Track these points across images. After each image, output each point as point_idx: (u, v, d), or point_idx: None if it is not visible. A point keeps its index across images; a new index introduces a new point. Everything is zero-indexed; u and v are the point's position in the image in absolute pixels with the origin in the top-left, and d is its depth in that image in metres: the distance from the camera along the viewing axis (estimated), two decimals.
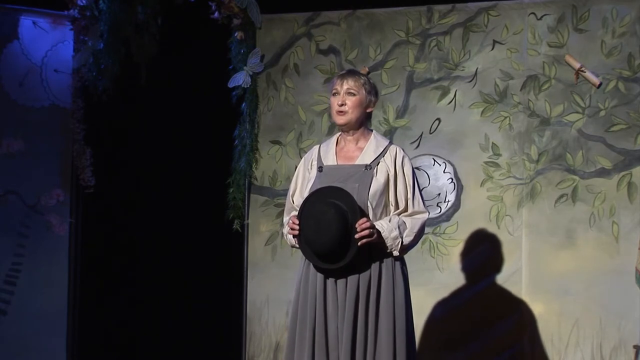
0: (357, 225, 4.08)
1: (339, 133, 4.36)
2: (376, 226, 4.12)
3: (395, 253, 4.16)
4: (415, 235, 4.19)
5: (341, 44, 5.76)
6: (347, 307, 4.12)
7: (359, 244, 4.08)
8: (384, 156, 4.24)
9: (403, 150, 4.30)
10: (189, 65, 5.96)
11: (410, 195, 4.23)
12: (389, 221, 4.15)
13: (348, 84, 4.27)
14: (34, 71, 5.86)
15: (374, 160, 4.23)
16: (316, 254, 4.12)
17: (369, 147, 4.27)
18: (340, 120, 4.27)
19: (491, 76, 5.51)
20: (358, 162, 4.24)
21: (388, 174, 4.22)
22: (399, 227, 4.14)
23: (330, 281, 4.17)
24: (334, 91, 4.30)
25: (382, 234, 4.12)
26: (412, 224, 4.19)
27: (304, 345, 4.17)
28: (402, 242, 4.14)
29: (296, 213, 4.26)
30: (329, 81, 4.43)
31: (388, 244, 4.13)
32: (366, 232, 4.08)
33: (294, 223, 4.18)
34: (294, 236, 4.20)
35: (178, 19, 5.80)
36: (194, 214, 6.03)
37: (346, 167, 4.24)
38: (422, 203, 4.26)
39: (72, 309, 5.86)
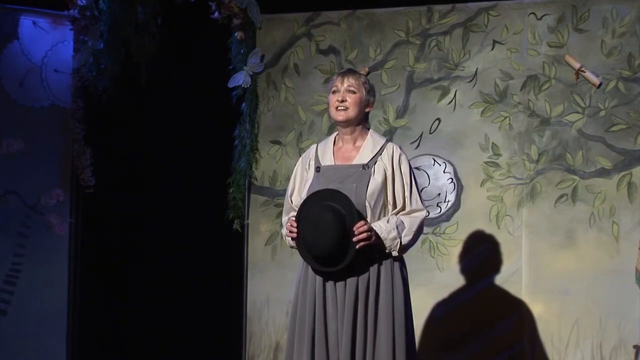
0: (354, 229, 4.08)
1: (337, 132, 4.36)
2: (374, 228, 4.11)
3: (395, 253, 4.16)
4: (414, 234, 4.19)
5: (341, 44, 5.76)
6: (347, 307, 4.11)
7: (357, 247, 4.08)
8: (381, 155, 4.24)
9: (400, 148, 4.29)
10: (189, 65, 5.96)
11: (407, 194, 4.22)
12: (387, 222, 4.14)
13: (349, 82, 4.27)
14: (34, 71, 5.86)
15: (371, 160, 4.22)
16: (314, 257, 4.12)
17: (366, 146, 4.26)
18: (339, 116, 4.26)
19: (491, 76, 5.51)
20: (355, 161, 4.23)
21: (385, 173, 4.21)
22: (397, 227, 4.14)
23: (329, 282, 4.16)
24: (334, 89, 4.29)
25: (381, 235, 4.11)
26: (411, 223, 4.18)
27: (303, 345, 4.17)
28: (400, 242, 4.14)
29: (295, 214, 4.26)
30: (329, 81, 4.42)
31: (387, 245, 4.13)
32: (364, 235, 4.07)
33: (292, 225, 4.18)
34: (292, 239, 4.20)
35: (178, 19, 5.80)
36: (194, 214, 6.03)
37: (344, 167, 4.23)
38: (420, 201, 4.26)
39: (72, 309, 5.86)
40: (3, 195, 5.76)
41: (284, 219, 4.38)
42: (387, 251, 4.15)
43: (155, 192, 6.09)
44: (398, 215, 4.19)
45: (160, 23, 5.79)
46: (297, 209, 4.30)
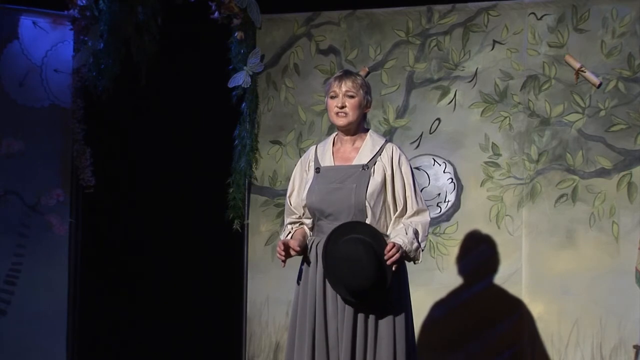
0: (385, 252, 4.07)
1: (336, 133, 4.36)
2: (400, 244, 4.11)
3: (418, 262, 4.20)
4: (426, 237, 4.24)
5: (341, 44, 5.76)
6: (347, 307, 4.12)
7: (393, 269, 4.08)
8: (380, 155, 4.24)
9: (399, 149, 4.29)
10: (189, 65, 5.97)
11: (409, 194, 4.23)
12: (406, 233, 4.15)
13: (347, 86, 4.25)
14: (34, 71, 5.85)
15: (370, 160, 4.22)
16: (353, 293, 4.09)
17: (366, 147, 4.26)
18: (340, 122, 4.25)
19: (491, 76, 5.51)
20: (355, 162, 4.23)
21: (385, 173, 4.21)
22: (415, 237, 4.16)
23: None
24: (332, 93, 4.27)
25: (405, 249, 4.13)
26: (423, 228, 4.21)
27: (304, 345, 4.18)
28: (421, 250, 4.19)
29: (292, 218, 4.31)
30: (326, 84, 4.41)
31: (411, 256, 4.17)
32: (397, 256, 4.07)
33: (280, 248, 4.18)
34: (282, 260, 4.21)
35: (178, 19, 5.80)
36: (194, 214, 6.03)
37: (343, 167, 4.23)
38: (422, 200, 4.27)
39: (72, 309, 5.86)
40: (3, 195, 5.76)
41: (286, 219, 4.39)
42: (409, 261, 4.19)
43: (155, 192, 6.09)
44: (409, 221, 4.20)
45: (160, 23, 5.79)
46: (296, 211, 4.32)
